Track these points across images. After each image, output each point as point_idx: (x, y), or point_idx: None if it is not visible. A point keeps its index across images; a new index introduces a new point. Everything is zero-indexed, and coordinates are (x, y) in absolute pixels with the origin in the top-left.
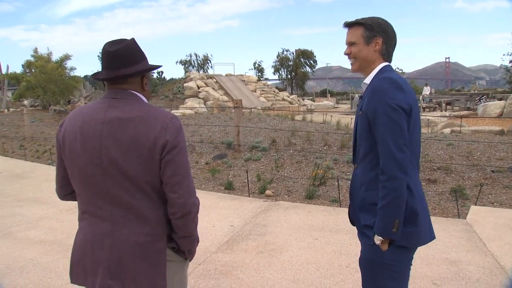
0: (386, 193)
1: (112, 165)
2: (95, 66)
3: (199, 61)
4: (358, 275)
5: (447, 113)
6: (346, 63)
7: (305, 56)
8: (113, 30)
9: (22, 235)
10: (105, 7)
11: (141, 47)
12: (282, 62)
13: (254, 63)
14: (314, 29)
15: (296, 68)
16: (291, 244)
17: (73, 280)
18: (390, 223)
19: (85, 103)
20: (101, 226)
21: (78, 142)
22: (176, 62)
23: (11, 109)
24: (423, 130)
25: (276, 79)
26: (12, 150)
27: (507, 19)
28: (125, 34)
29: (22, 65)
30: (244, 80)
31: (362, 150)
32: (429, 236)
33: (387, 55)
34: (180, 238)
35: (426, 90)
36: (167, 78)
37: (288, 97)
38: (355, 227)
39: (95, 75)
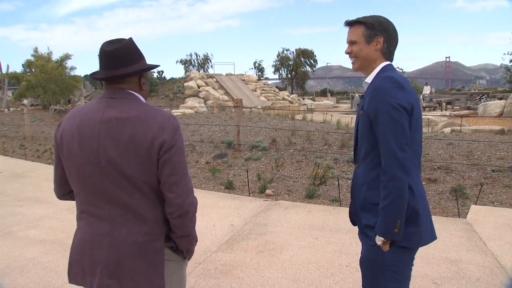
0: (387, 193)
1: (110, 165)
2: (95, 66)
3: (199, 61)
4: (359, 274)
5: (447, 113)
6: (346, 63)
7: (305, 55)
8: (113, 29)
9: (22, 234)
10: (105, 6)
11: (139, 46)
12: (282, 61)
13: (255, 63)
14: (314, 28)
15: (296, 68)
16: (291, 244)
17: (71, 280)
18: (392, 224)
19: (85, 103)
20: (99, 225)
21: (76, 141)
22: (177, 62)
23: (11, 109)
24: (423, 130)
25: (276, 79)
26: (12, 149)
27: (507, 18)
28: (126, 33)
29: (22, 65)
30: (244, 80)
31: (363, 150)
32: (431, 236)
33: (389, 54)
34: (178, 238)
35: (426, 90)
36: (168, 77)
37: (288, 96)
38: (355, 227)
39: (93, 74)
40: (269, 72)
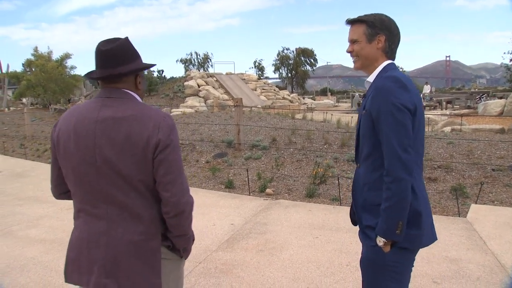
0: (390, 194)
1: (106, 164)
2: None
3: (199, 60)
4: (359, 273)
5: (447, 112)
6: (347, 62)
7: (306, 54)
8: (113, 28)
9: (22, 234)
10: (106, 5)
11: (140, 45)
12: (282, 60)
13: (255, 62)
14: (315, 27)
15: (297, 67)
16: (292, 243)
17: (68, 279)
18: (394, 225)
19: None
20: (96, 224)
21: (72, 141)
22: (177, 61)
23: (11, 108)
24: None
25: (276, 78)
26: (12, 149)
27: (507, 17)
28: (126, 32)
29: (23, 64)
30: (244, 79)
31: (365, 150)
32: (431, 237)
33: (390, 52)
34: (174, 237)
35: (427, 89)
36: (168, 76)
37: (289, 95)
38: (356, 226)
39: (89, 74)
40: (269, 71)
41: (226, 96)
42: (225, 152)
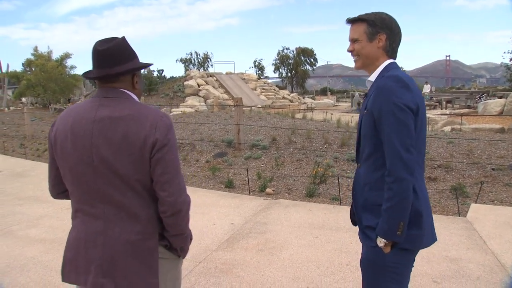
0: (392, 195)
1: (103, 164)
2: None
3: (199, 59)
4: (359, 273)
5: (447, 111)
6: (346, 61)
7: (306, 54)
8: (113, 28)
9: (22, 233)
10: (105, 5)
11: (140, 45)
12: (282, 60)
13: (255, 61)
14: (315, 27)
15: (297, 66)
16: (292, 242)
17: (65, 279)
18: (395, 226)
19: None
20: (94, 224)
21: (69, 141)
22: (177, 60)
23: (11, 108)
24: None
25: (276, 77)
26: (12, 148)
27: (507, 17)
28: (125, 32)
29: (22, 64)
30: (244, 78)
31: (366, 150)
32: (432, 238)
33: (391, 51)
34: (172, 236)
35: (426, 88)
36: (168, 76)
37: (289, 95)
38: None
39: (86, 74)
40: (269, 71)
41: (226, 96)
42: (225, 151)
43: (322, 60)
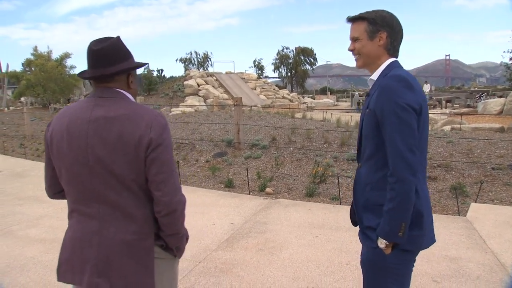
0: (394, 195)
1: (98, 164)
2: None
3: (199, 59)
4: (359, 272)
5: (447, 111)
6: (346, 61)
7: (305, 53)
8: (113, 28)
9: (22, 233)
10: (105, 5)
11: (140, 45)
12: (282, 60)
13: (254, 61)
14: (314, 26)
15: (296, 66)
16: (291, 242)
17: (60, 278)
18: (397, 227)
19: None
20: (89, 224)
21: (65, 141)
22: (176, 60)
23: (11, 108)
24: None
25: (276, 77)
26: (12, 148)
27: (507, 17)
28: (125, 32)
29: (22, 64)
30: (244, 78)
31: (367, 150)
32: (431, 239)
33: (393, 49)
34: (167, 236)
35: (426, 88)
36: (167, 76)
37: (288, 95)
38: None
39: (81, 74)
40: (268, 71)
41: (225, 95)
42: (224, 151)
43: (321, 59)
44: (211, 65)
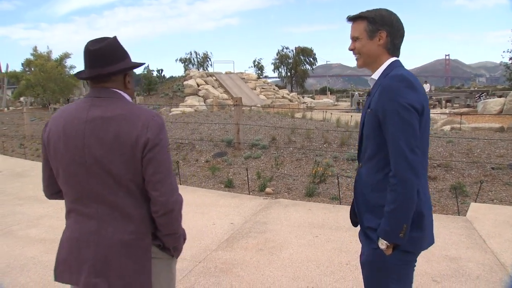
0: (395, 196)
1: (95, 164)
2: None
3: (199, 59)
4: (358, 272)
5: (447, 110)
6: (346, 61)
7: (305, 53)
8: (113, 28)
9: (22, 233)
10: (105, 5)
11: (140, 45)
12: (282, 59)
13: (254, 61)
14: (314, 26)
15: (296, 66)
16: (291, 242)
17: (57, 278)
18: (398, 228)
19: None
20: (87, 224)
21: (62, 141)
22: (176, 60)
23: (10, 108)
24: None
25: (276, 77)
26: (12, 148)
27: (507, 17)
28: (125, 32)
29: (22, 64)
30: (244, 78)
31: (368, 151)
32: (431, 240)
33: (393, 49)
34: (164, 236)
35: (426, 88)
36: (167, 76)
37: (288, 94)
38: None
39: (78, 74)
40: (268, 71)
41: (225, 95)
42: (224, 151)
43: (321, 59)
44: (211, 65)
